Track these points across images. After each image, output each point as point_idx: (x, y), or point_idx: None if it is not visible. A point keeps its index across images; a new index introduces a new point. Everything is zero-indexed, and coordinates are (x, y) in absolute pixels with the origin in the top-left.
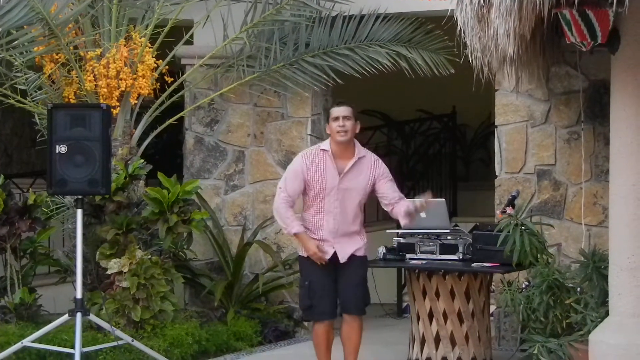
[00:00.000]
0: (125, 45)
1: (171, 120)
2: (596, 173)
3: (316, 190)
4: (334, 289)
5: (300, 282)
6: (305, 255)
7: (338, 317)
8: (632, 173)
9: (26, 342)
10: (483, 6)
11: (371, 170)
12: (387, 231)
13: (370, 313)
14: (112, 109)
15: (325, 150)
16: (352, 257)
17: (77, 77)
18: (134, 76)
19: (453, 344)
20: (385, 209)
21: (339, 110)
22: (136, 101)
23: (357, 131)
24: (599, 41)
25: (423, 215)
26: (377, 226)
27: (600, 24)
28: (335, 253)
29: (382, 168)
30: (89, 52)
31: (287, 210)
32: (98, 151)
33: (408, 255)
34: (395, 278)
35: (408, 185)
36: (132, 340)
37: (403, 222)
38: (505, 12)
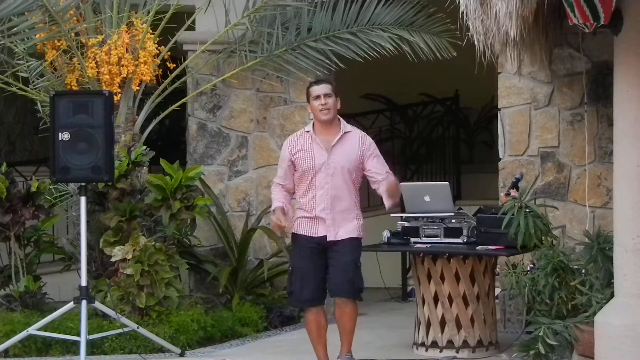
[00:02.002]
0: (126, 32)
1: (174, 107)
2: (600, 154)
3: (305, 168)
4: (320, 276)
5: (289, 268)
6: (293, 231)
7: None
8: (636, 154)
9: (31, 330)
10: None
11: (359, 145)
12: (392, 215)
13: (375, 297)
14: (114, 96)
15: (308, 131)
16: (343, 240)
17: (78, 64)
18: (136, 62)
19: (459, 327)
20: (373, 187)
21: (319, 89)
22: (138, 87)
23: (339, 107)
24: (602, 22)
25: (427, 199)
26: (381, 210)
27: (603, 5)
28: (325, 235)
29: (368, 143)
30: (90, 39)
31: (276, 191)
32: (101, 138)
33: (412, 239)
34: (400, 262)
35: (412, 169)
36: (138, 327)
37: (387, 204)
38: None
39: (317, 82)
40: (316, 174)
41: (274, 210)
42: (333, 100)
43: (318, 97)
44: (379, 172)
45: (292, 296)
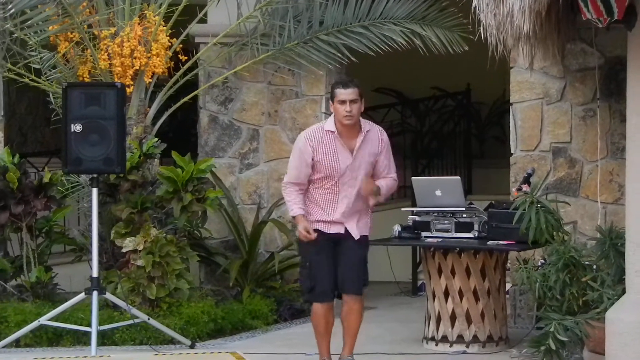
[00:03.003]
0: (139, 24)
1: (185, 99)
2: (612, 150)
3: (328, 173)
4: (333, 270)
5: (301, 263)
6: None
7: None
8: None
9: (43, 320)
10: None
11: (378, 143)
12: (403, 209)
13: (386, 291)
14: (126, 88)
15: (331, 131)
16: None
17: (91, 56)
18: (148, 55)
19: (469, 321)
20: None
21: (346, 94)
22: (150, 80)
23: (362, 109)
24: (616, 17)
25: (438, 193)
26: (392, 204)
27: (617, 0)
28: (335, 231)
29: (386, 140)
30: (103, 31)
31: (292, 193)
32: (113, 130)
33: (423, 234)
34: (410, 256)
35: (423, 163)
36: (148, 319)
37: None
38: None
39: (345, 84)
40: (340, 179)
41: (294, 217)
42: (358, 106)
43: (344, 102)
44: (382, 170)
45: (314, 290)
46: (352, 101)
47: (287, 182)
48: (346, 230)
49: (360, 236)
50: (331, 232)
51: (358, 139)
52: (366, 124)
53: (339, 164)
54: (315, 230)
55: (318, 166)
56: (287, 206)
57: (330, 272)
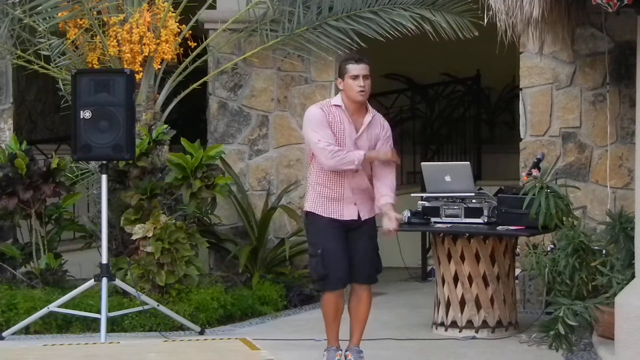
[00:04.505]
0: (148, 10)
1: (195, 85)
2: (622, 135)
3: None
4: (348, 257)
5: (311, 251)
6: (312, 211)
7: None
8: None
9: (52, 307)
10: None
11: (380, 129)
12: (412, 195)
13: (395, 276)
14: (135, 74)
15: (338, 105)
16: (366, 220)
17: (100, 42)
18: (157, 41)
19: (478, 307)
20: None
21: (359, 69)
22: (159, 66)
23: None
24: (626, 2)
25: (448, 178)
26: (401, 190)
27: None
28: (351, 218)
29: (386, 128)
30: (112, 18)
31: (341, 152)
32: (122, 116)
33: (433, 219)
34: (420, 242)
35: (432, 149)
36: (158, 305)
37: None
38: None
39: (357, 60)
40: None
41: (365, 157)
42: (369, 83)
43: (357, 77)
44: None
45: (327, 279)
46: (364, 76)
47: (325, 145)
48: (359, 215)
49: (369, 218)
50: (345, 218)
51: (366, 118)
52: (370, 108)
53: (344, 136)
54: (328, 218)
55: None
56: (343, 164)
57: (344, 259)
